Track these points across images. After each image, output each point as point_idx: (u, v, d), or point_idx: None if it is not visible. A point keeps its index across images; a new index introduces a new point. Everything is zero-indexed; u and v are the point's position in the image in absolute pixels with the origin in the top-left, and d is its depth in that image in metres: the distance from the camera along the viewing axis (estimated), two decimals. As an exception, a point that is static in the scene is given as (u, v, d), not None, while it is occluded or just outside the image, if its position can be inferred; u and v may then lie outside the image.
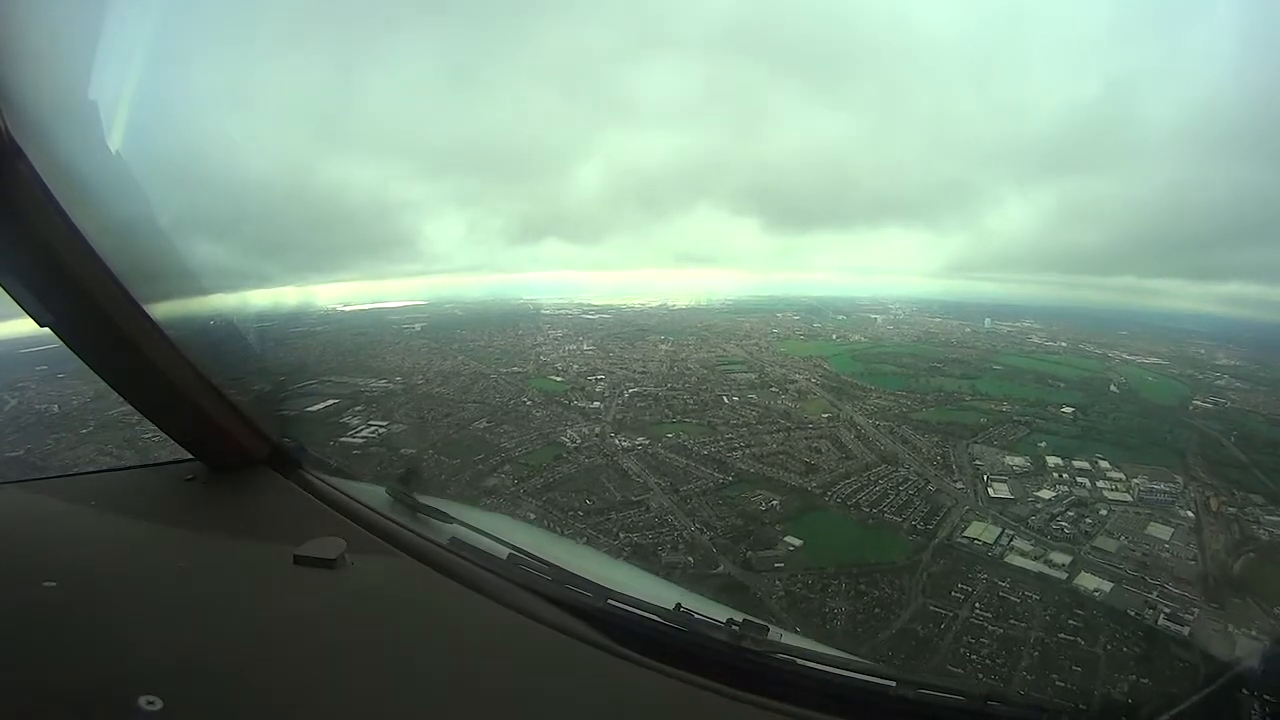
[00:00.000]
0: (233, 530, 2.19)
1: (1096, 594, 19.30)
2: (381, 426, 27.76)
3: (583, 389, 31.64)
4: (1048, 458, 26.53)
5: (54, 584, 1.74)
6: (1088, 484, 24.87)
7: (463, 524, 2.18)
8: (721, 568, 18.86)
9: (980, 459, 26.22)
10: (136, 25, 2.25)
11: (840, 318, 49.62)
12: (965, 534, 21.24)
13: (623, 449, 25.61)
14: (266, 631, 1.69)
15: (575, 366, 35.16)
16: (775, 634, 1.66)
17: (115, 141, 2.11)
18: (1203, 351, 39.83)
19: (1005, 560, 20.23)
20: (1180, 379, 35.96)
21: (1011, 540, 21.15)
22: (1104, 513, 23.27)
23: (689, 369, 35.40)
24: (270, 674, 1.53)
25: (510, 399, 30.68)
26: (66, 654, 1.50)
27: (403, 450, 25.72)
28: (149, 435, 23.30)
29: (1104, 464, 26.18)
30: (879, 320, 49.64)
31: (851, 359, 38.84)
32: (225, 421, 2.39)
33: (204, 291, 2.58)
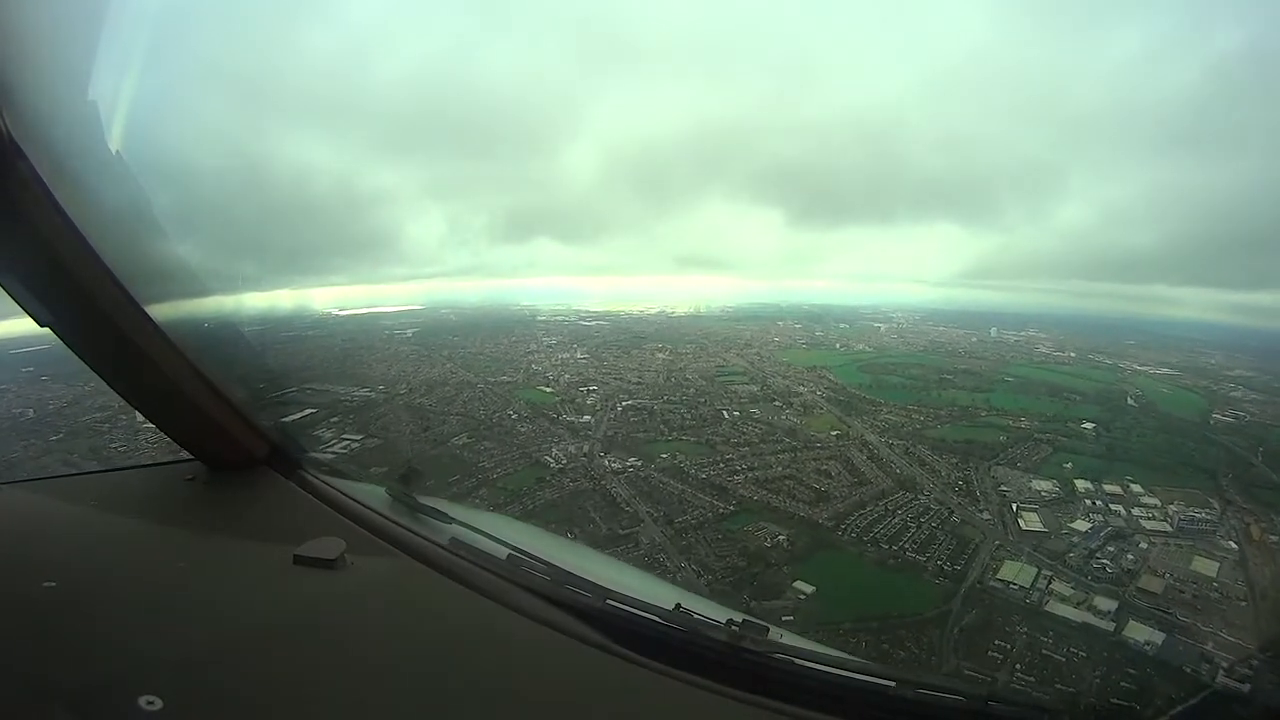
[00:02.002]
0: (233, 530, 2.11)
1: (1148, 647, 16.87)
2: (355, 441, 25.15)
3: (573, 401, 28.53)
4: (1076, 481, 23.70)
5: (54, 584, 1.67)
6: (1122, 512, 22.05)
7: (463, 524, 2.10)
8: (721, 621, 15.52)
9: (1005, 483, 23.30)
10: (136, 25, 2.15)
11: (843, 326, 47.22)
12: (998, 576, 18.19)
13: (612, 471, 22.42)
14: (266, 631, 1.63)
15: (567, 376, 32.04)
16: (775, 634, 1.58)
17: (115, 141, 2.04)
18: (1213, 361, 37.20)
19: (1045, 609, 17.29)
20: (1195, 390, 33.28)
21: (1050, 583, 18.23)
22: (1144, 546, 20.41)
23: (687, 380, 32.27)
24: (270, 674, 1.47)
25: (495, 411, 27.61)
26: (66, 654, 1.44)
27: (374, 469, 22.66)
28: (116, 445, 23.33)
29: (1136, 488, 23.40)
30: (882, 329, 47.26)
31: (857, 370, 36.00)
32: (225, 421, 2.31)
33: (203, 292, 2.49)
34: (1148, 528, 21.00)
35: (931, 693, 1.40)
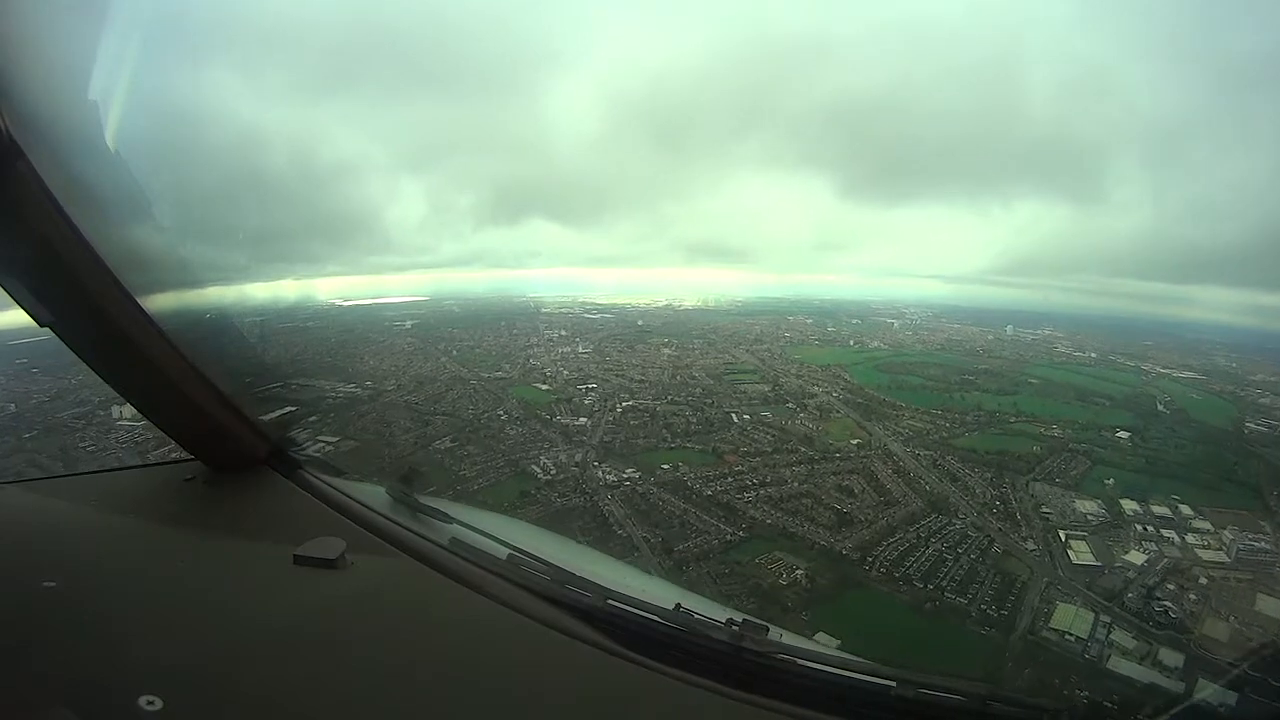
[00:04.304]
0: (233, 530, 2.05)
1: (1222, 709, 13.40)
2: (330, 442, 22.33)
3: (569, 401, 25.49)
4: (1122, 501, 20.70)
5: (54, 584, 1.65)
6: (1175, 538, 19.21)
7: (463, 524, 2.03)
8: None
9: (1047, 504, 20.19)
10: (136, 25, 2.04)
11: (855, 322, 43.91)
12: (1052, 624, 15.16)
13: (606, 485, 19.44)
14: (266, 631, 1.58)
15: (565, 372, 29.01)
16: (775, 634, 1.54)
17: (115, 141, 1.97)
18: (1232, 365, 34.11)
19: (1108, 667, 14.31)
20: (1223, 396, 30.23)
21: (1110, 633, 15.25)
22: (1204, 581, 17.60)
23: (693, 378, 29.12)
24: (270, 674, 1.44)
25: (484, 411, 24.69)
26: (66, 654, 1.42)
27: (346, 476, 19.82)
28: (86, 444, 22.10)
29: (1185, 509, 20.56)
30: (896, 325, 43.75)
31: (874, 369, 32.77)
32: (225, 421, 2.25)
33: (203, 290, 2.46)
34: (1204, 558, 18.22)
35: (931, 693, 1.36)
